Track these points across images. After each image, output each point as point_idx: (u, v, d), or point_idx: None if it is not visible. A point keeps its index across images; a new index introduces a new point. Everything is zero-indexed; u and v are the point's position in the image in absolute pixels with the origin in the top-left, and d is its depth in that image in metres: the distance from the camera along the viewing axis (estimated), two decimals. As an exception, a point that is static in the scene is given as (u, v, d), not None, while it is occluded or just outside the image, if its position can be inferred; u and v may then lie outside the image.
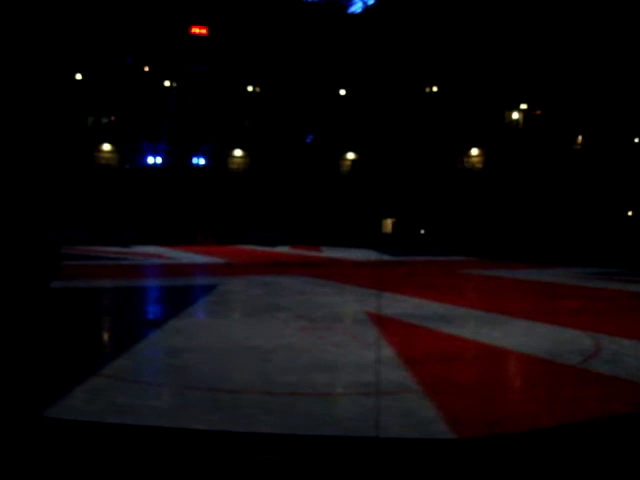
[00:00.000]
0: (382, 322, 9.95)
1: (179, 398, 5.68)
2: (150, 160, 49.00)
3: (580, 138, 47.62)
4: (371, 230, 46.40)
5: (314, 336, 8.63)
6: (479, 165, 49.05)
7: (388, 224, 48.04)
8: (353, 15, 52.25)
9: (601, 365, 7.07)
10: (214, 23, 50.56)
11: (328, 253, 34.40)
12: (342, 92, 53.28)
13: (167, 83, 51.35)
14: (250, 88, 52.78)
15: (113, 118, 50.09)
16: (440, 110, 49.22)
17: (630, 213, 41.23)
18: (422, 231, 45.15)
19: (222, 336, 8.68)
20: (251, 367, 6.84)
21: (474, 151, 49.27)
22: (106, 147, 49.32)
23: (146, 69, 50.96)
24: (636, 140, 44.37)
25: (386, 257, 31.02)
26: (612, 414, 5.15)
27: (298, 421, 4.96)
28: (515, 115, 49.53)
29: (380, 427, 4.79)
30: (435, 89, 51.46)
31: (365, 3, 51.43)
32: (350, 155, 53.56)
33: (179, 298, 13.93)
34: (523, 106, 49.50)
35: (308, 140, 52.69)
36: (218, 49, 50.52)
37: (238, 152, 52.02)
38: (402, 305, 12.18)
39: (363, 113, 51.30)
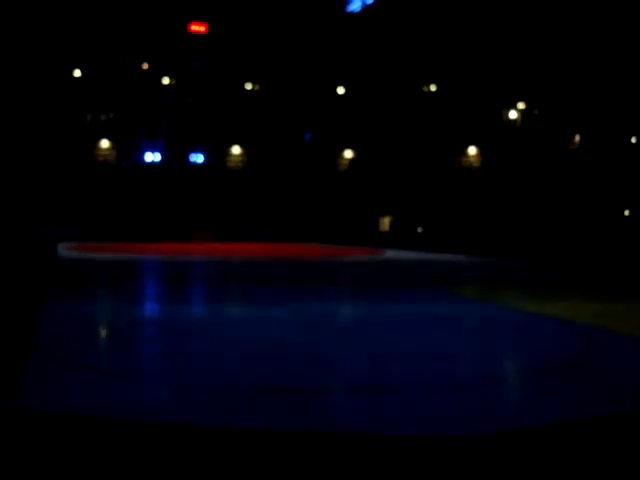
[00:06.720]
0: (376, 317, 10.04)
1: (173, 393, 5.74)
2: (148, 157, 49.00)
3: (578, 137, 47.69)
4: (368, 228, 46.48)
5: (311, 332, 8.70)
6: (477, 164, 49.14)
7: (385, 222, 48.11)
8: (352, 14, 52.24)
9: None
10: (213, 20, 50.53)
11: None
12: (340, 90, 53.30)
13: (166, 80, 51.32)
14: (249, 86, 52.78)
15: (112, 115, 50.08)
16: (438, 109, 49.29)
17: (627, 212, 41.29)
18: (419, 229, 45.21)
19: (216, 332, 8.76)
20: (245, 362, 6.90)
21: (472, 150, 49.36)
22: (104, 144, 49.32)
23: (145, 66, 50.93)
24: (633, 140, 44.44)
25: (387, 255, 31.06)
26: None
27: (296, 417, 5.03)
28: (513, 114, 49.61)
29: (380, 424, 4.86)
30: (433, 88, 51.52)
31: (364, 2, 51.45)
32: (348, 153, 53.61)
33: (173, 295, 14.00)
34: (521, 105, 49.59)
35: (306, 138, 52.71)
36: (217, 46, 50.50)
37: (236, 149, 52.04)
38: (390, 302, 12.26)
39: (361, 111, 51.34)
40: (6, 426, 4.50)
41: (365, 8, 51.63)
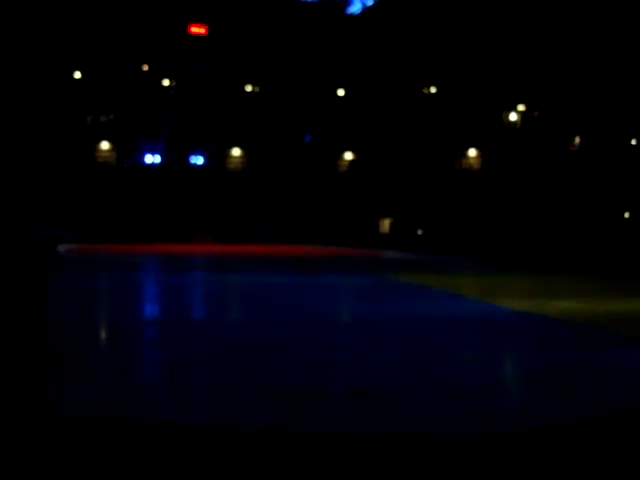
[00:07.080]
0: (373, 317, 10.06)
1: (173, 393, 5.74)
2: (148, 159, 49.01)
3: (578, 139, 47.75)
4: (368, 230, 46.48)
5: (308, 334, 8.70)
6: (477, 166, 49.18)
7: (385, 224, 48.13)
8: (352, 16, 52.32)
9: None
10: (213, 22, 50.58)
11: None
12: (340, 92, 53.32)
13: (166, 82, 51.33)
14: (249, 88, 52.79)
15: (112, 116, 50.09)
16: (438, 111, 49.31)
17: (627, 214, 41.34)
18: (419, 231, 45.24)
19: (216, 333, 8.76)
20: (246, 362, 6.90)
21: (472, 152, 49.38)
22: (105, 145, 49.33)
23: (145, 68, 50.95)
24: (633, 142, 44.50)
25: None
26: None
27: (294, 418, 5.03)
28: (513, 116, 49.65)
29: (374, 425, 4.87)
30: (433, 90, 51.55)
31: (364, 4, 51.52)
32: (348, 155, 53.61)
33: (172, 296, 14.00)
34: (521, 107, 49.63)
35: (306, 140, 52.71)
36: (217, 48, 50.53)
37: (236, 151, 52.04)
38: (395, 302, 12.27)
39: (361, 113, 51.36)
40: (16, 426, 4.50)
41: (365, 10, 51.70)
